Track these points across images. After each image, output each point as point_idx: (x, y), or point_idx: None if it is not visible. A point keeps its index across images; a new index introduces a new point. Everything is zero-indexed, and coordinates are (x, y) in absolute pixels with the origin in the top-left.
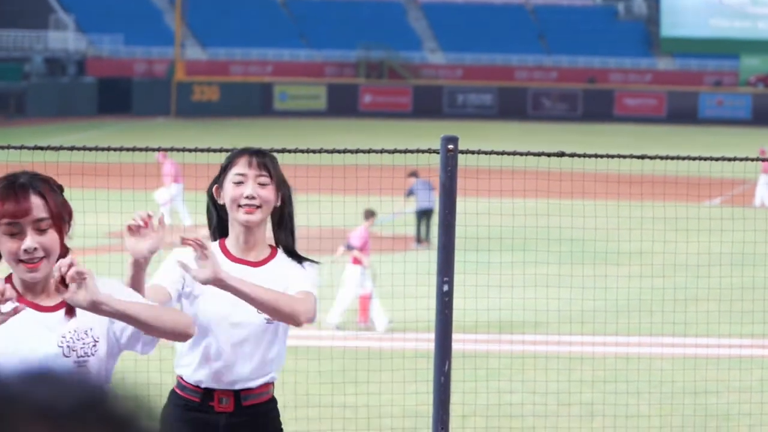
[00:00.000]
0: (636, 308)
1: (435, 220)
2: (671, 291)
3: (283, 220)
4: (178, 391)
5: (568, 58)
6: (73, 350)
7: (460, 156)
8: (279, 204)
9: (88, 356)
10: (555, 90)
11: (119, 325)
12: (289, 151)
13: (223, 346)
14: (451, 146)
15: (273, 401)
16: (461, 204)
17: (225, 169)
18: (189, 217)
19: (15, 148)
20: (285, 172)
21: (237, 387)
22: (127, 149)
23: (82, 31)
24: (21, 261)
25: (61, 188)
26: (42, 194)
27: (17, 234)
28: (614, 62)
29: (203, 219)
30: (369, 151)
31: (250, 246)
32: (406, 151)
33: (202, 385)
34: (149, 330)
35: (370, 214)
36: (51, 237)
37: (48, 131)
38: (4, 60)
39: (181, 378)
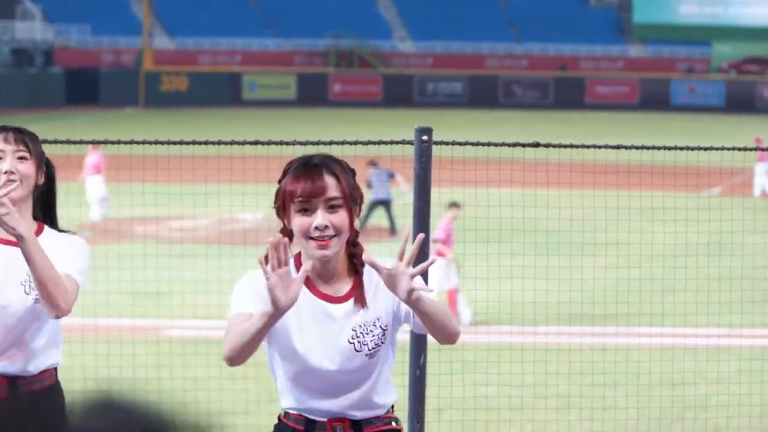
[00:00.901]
0: (612, 299)
1: (396, 209)
2: (647, 282)
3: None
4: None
5: (538, 46)
6: (364, 344)
7: (433, 146)
8: (42, 182)
9: (379, 347)
10: (526, 78)
11: (403, 307)
12: (262, 143)
13: None
14: (425, 137)
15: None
16: (435, 195)
17: None
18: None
19: None
20: (256, 163)
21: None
22: (100, 142)
23: (49, 21)
24: (311, 238)
25: (353, 171)
26: (335, 174)
27: (309, 212)
28: (585, 49)
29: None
30: (343, 143)
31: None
32: (380, 143)
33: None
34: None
35: (453, 206)
36: (341, 216)
37: (16, 122)
38: None
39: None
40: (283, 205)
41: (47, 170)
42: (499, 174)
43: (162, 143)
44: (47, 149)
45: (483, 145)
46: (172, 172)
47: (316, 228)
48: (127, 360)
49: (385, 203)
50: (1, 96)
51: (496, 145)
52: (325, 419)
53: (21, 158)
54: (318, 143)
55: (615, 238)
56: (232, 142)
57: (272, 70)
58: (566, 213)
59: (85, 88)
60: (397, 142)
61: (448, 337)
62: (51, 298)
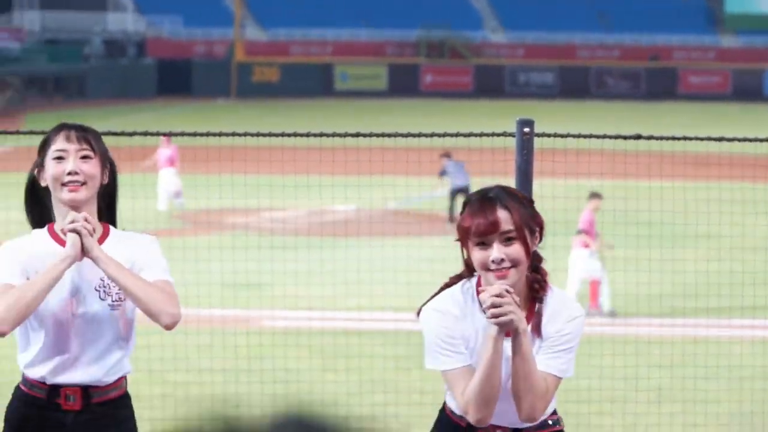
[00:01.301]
0: (710, 291)
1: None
2: (743, 274)
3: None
4: None
5: (630, 36)
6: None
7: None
8: (106, 181)
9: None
10: (617, 68)
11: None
12: (362, 135)
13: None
14: (527, 129)
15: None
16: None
17: (44, 148)
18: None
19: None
20: (347, 155)
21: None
22: (189, 134)
23: (141, 13)
24: (490, 270)
25: (530, 201)
26: (508, 208)
27: (486, 245)
28: (677, 40)
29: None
30: (444, 135)
31: None
32: (481, 135)
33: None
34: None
35: (594, 196)
36: (516, 248)
37: (108, 113)
38: (64, 42)
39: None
40: (462, 239)
41: (111, 168)
42: (602, 166)
43: (258, 135)
44: (141, 141)
45: (585, 137)
46: (264, 164)
47: (493, 261)
48: (229, 351)
49: (465, 190)
50: (93, 87)
51: (597, 137)
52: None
53: (85, 157)
54: (419, 135)
55: (715, 230)
56: (333, 134)
57: (364, 60)
58: (666, 205)
59: (177, 79)
60: (498, 134)
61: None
62: (149, 306)
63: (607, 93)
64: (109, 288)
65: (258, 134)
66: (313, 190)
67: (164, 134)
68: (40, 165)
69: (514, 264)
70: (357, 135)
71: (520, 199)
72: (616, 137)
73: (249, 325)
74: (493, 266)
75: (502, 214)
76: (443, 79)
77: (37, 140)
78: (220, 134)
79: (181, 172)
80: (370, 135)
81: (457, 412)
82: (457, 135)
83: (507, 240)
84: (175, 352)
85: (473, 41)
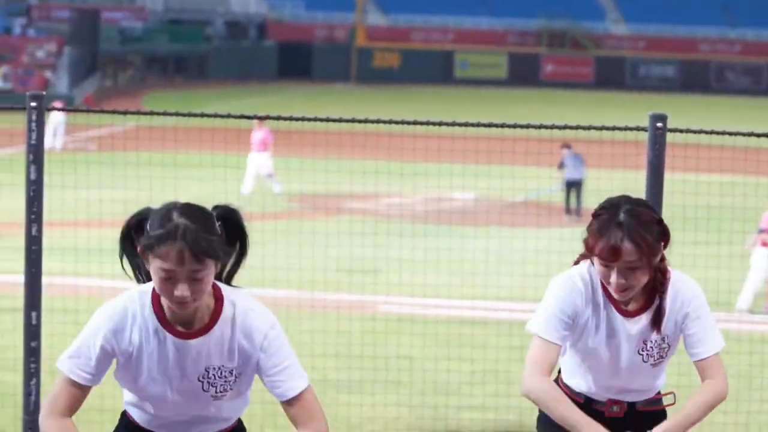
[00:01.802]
0: None
1: (584, 191)
2: None
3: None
4: None
5: (752, 31)
6: (650, 356)
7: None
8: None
9: (663, 359)
10: (739, 63)
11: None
12: (483, 125)
13: None
14: (659, 124)
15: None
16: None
17: (150, 247)
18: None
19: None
20: (466, 144)
21: None
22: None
23: None
24: (610, 284)
25: (659, 221)
26: (636, 241)
27: (608, 268)
28: None
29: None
30: (577, 128)
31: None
32: (614, 128)
33: None
34: None
35: None
36: (637, 276)
37: (227, 95)
38: (186, 22)
39: None
40: (587, 251)
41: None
42: (732, 162)
43: (378, 122)
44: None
45: (718, 133)
46: (384, 150)
47: (612, 283)
48: (344, 336)
49: (578, 184)
50: (213, 68)
51: (731, 134)
52: (605, 399)
53: (197, 279)
54: (552, 127)
55: None
56: (465, 124)
57: (484, 48)
58: None
59: (298, 62)
60: (631, 129)
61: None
62: None
63: (727, 87)
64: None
65: (378, 121)
66: (432, 178)
67: (260, 118)
68: (144, 251)
69: (632, 288)
70: (492, 125)
71: (648, 224)
72: (750, 134)
73: (364, 310)
74: (612, 286)
75: (627, 246)
76: (564, 69)
77: (158, 121)
78: (339, 120)
79: (298, 156)
80: (503, 126)
81: (576, 388)
82: (589, 128)
83: (629, 269)
84: (289, 337)
85: (595, 32)
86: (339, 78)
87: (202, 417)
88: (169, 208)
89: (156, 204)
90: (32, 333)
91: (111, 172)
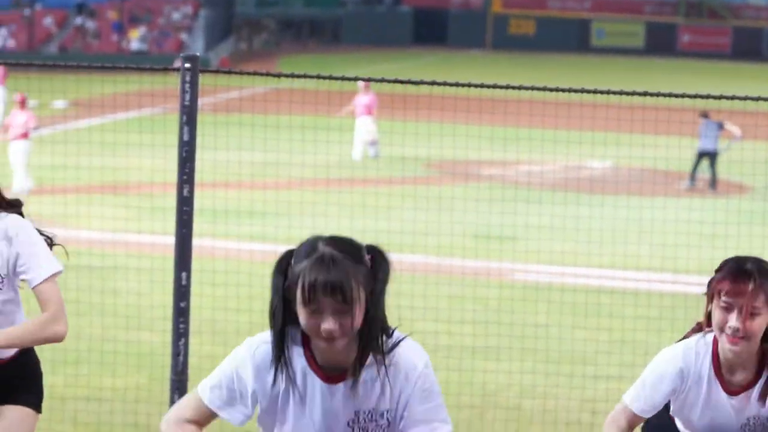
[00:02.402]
0: None
1: (719, 163)
2: None
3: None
4: None
5: None
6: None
7: None
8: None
9: None
10: None
11: None
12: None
13: None
14: None
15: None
16: None
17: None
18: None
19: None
20: (601, 111)
21: None
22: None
23: None
24: (724, 332)
25: None
26: (761, 285)
27: (728, 311)
28: None
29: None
30: (720, 97)
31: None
32: (745, 98)
33: None
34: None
35: None
36: (758, 323)
37: (362, 60)
38: None
39: None
40: (711, 294)
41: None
42: None
43: (521, 88)
44: (389, 87)
45: None
46: (524, 117)
47: (730, 327)
48: (480, 303)
49: (711, 155)
50: (348, 33)
51: None
52: None
53: (344, 312)
54: (695, 96)
55: None
56: (582, 90)
57: (621, 17)
58: None
59: (433, 28)
60: (765, 99)
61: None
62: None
63: None
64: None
65: (521, 87)
66: (571, 146)
67: (364, 80)
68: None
69: (749, 336)
70: (645, 94)
71: None
72: None
73: (501, 277)
74: (728, 331)
75: (752, 286)
76: (701, 39)
77: (292, 84)
78: (481, 86)
79: (435, 120)
80: (635, 93)
81: None
82: (720, 98)
83: (751, 314)
84: (425, 302)
85: (733, 2)
86: (474, 44)
87: None
88: (315, 240)
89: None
90: (182, 293)
91: (250, 133)
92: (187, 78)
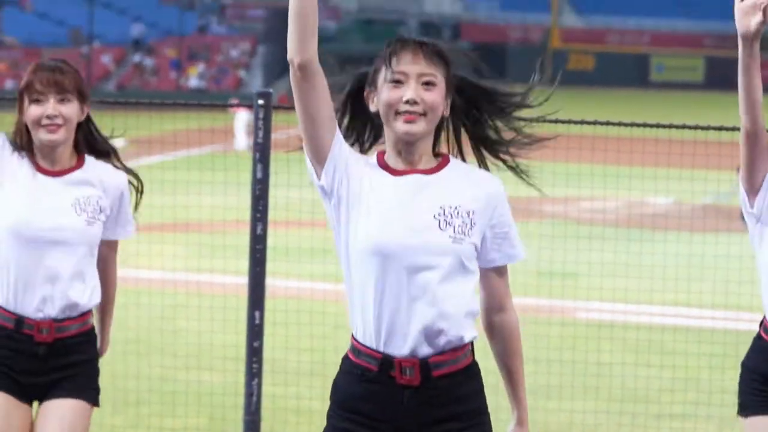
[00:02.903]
0: None
1: None
2: None
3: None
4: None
5: None
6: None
7: None
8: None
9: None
10: None
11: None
12: (678, 127)
13: None
14: None
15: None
16: None
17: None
18: None
19: None
20: (657, 146)
21: None
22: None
23: None
24: None
25: None
26: None
27: None
28: None
29: None
30: None
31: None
32: None
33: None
34: None
35: None
36: None
37: None
38: (379, 22)
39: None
40: None
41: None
42: None
43: (582, 122)
44: None
45: None
46: (586, 152)
47: None
48: (541, 340)
49: None
50: None
51: None
52: None
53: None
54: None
55: None
56: (643, 125)
57: (681, 51)
58: None
59: (491, 63)
60: None
61: None
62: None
63: None
64: None
65: (582, 122)
66: (633, 182)
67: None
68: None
69: None
70: (708, 128)
71: None
72: None
73: (563, 315)
74: None
75: None
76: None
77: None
78: (543, 120)
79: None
80: (720, 128)
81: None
82: None
83: None
84: (484, 340)
85: None
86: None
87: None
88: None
89: None
90: (255, 333)
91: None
92: (261, 115)
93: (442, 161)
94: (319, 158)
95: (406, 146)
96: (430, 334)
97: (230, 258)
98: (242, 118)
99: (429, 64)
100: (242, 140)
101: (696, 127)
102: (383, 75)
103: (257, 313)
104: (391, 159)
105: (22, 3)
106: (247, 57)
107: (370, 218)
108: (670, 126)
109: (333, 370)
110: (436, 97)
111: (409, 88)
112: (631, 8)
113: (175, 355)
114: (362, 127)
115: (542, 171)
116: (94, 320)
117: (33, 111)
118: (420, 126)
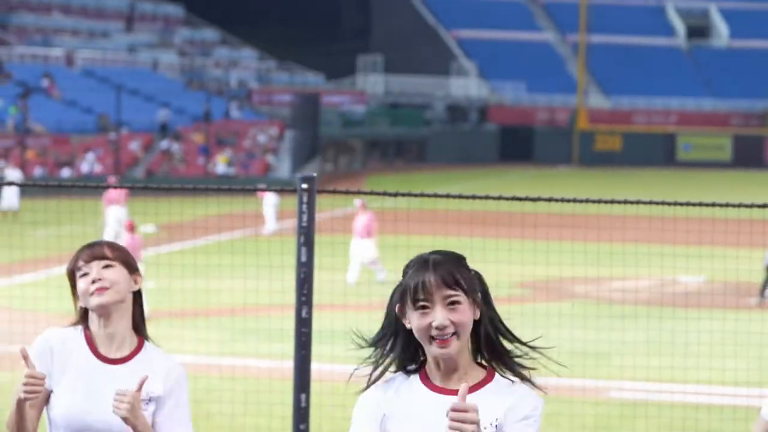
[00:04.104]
0: None
1: None
2: None
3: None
4: None
5: None
6: None
7: None
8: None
9: None
10: None
11: None
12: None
13: None
14: None
15: None
16: None
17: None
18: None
19: (415, 195)
20: (688, 225)
21: None
22: (531, 199)
23: (483, 78)
24: None
25: None
26: None
27: None
28: None
29: None
30: None
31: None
32: None
33: None
34: None
35: None
36: None
37: (448, 178)
38: (406, 106)
39: None
40: None
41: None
42: None
43: (612, 202)
44: (481, 205)
45: None
46: (613, 232)
47: None
48: (577, 421)
49: None
50: (433, 151)
51: None
52: None
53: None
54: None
55: None
56: (674, 203)
57: (708, 131)
58: None
59: (519, 145)
60: None
61: None
62: None
63: None
64: None
65: (612, 201)
66: (665, 260)
67: (479, 197)
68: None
69: None
70: (740, 206)
71: None
72: None
73: (597, 395)
74: None
75: None
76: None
77: (382, 202)
78: (573, 200)
79: (529, 237)
80: (752, 206)
81: None
82: None
83: None
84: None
85: None
86: (560, 161)
87: None
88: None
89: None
90: (301, 415)
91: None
92: (305, 199)
93: (484, 378)
94: None
95: (445, 362)
96: None
97: (262, 342)
98: (270, 201)
99: (451, 284)
100: (272, 224)
101: (726, 205)
102: (410, 298)
103: (303, 396)
104: (432, 373)
105: (49, 91)
106: (275, 142)
107: None
108: (700, 204)
109: None
110: (463, 316)
111: (437, 313)
112: (657, 88)
113: None
114: (407, 342)
115: (573, 251)
116: None
117: (81, 284)
118: (454, 347)
